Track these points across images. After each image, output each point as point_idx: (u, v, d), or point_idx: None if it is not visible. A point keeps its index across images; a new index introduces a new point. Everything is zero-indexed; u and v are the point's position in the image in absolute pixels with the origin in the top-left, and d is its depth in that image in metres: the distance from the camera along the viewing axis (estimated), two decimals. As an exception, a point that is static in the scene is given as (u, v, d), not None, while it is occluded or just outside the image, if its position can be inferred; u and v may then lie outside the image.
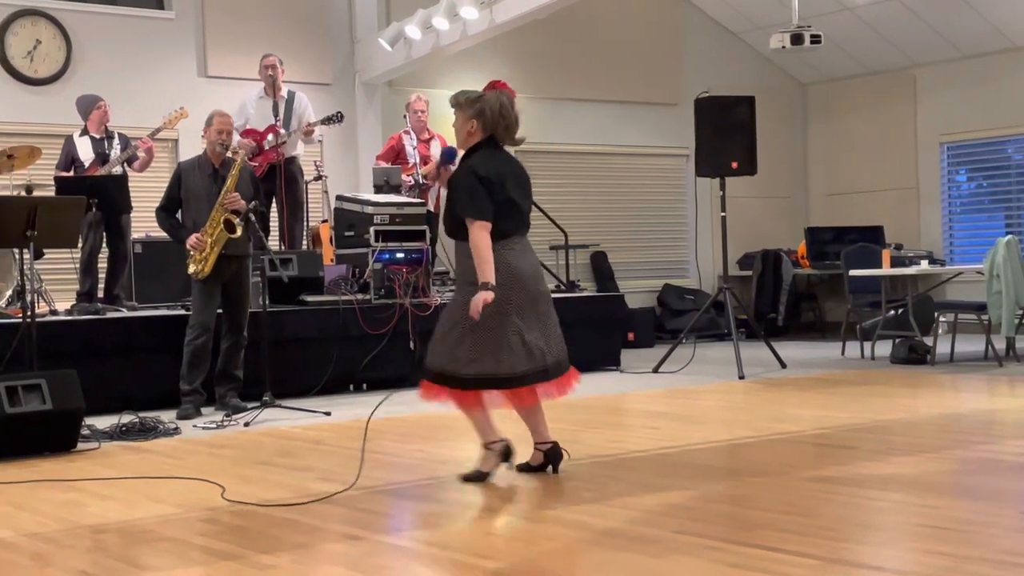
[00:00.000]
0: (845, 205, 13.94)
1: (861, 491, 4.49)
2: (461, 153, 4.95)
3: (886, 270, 10.00)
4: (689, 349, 9.46)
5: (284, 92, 9.45)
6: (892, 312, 10.04)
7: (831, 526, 3.92)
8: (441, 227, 5.28)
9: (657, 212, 13.83)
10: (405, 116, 10.05)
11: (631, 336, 11.35)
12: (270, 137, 9.25)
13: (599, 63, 13.18)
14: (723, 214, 9.43)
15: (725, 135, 9.27)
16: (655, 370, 9.27)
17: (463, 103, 4.84)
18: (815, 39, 10.06)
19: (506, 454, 4.93)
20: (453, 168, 5.06)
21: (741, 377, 8.67)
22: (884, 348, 9.89)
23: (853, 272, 10.17)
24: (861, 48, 13.32)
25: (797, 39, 10.04)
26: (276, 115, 9.27)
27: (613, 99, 13.31)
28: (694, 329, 9.83)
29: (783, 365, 9.29)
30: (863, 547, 3.69)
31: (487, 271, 4.66)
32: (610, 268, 13.05)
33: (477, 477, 4.85)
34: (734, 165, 9.23)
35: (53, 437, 5.94)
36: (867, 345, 10.13)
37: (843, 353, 10.35)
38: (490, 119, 4.81)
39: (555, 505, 4.33)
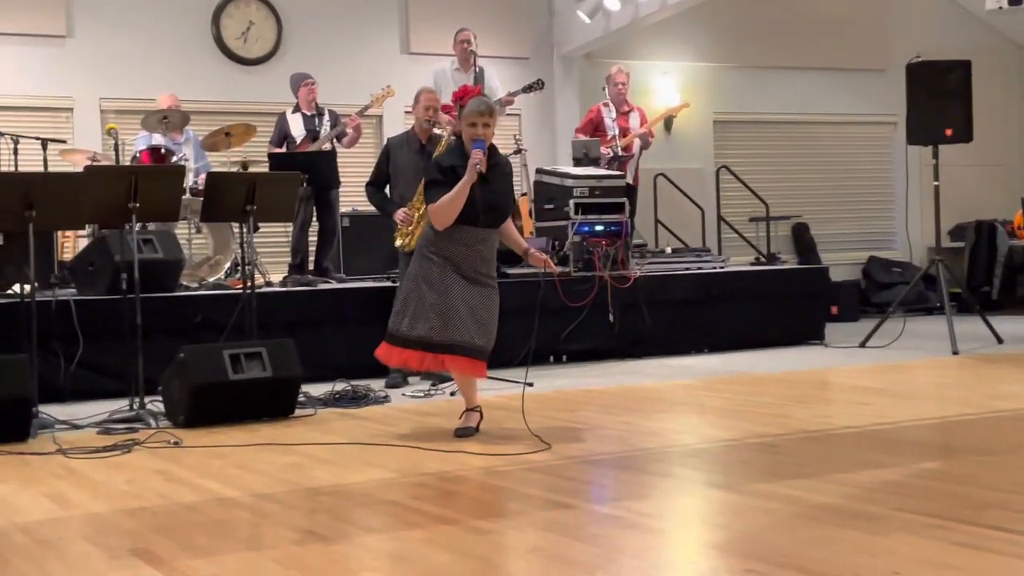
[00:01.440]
0: (1066, 173, 13.25)
1: (1094, 472, 4.27)
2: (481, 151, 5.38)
3: (1113, 241, 9.45)
4: (897, 323, 9.16)
5: (476, 67, 9.52)
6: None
7: (1065, 508, 3.74)
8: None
9: (862, 182, 13.44)
10: (604, 88, 10.02)
11: (835, 310, 11.07)
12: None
13: (802, 29, 12.85)
14: (936, 183, 9.08)
15: (939, 101, 8.91)
16: (862, 344, 9.02)
17: (496, 113, 5.53)
18: (1036, -2, 9.55)
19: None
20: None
21: (955, 352, 8.35)
22: (1110, 324, 9.37)
23: (1076, 243, 9.65)
24: (1085, 6, 12.57)
25: (1016, -1, 9.54)
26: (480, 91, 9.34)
27: (816, 66, 12.98)
28: (903, 303, 9.50)
29: (999, 340, 8.90)
30: (1102, 531, 3.50)
31: None
32: (812, 240, 12.76)
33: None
34: (948, 132, 8.86)
35: (273, 403, 6.20)
36: (1091, 320, 9.62)
37: (1064, 329, 9.85)
38: None
39: (767, 479, 4.27)
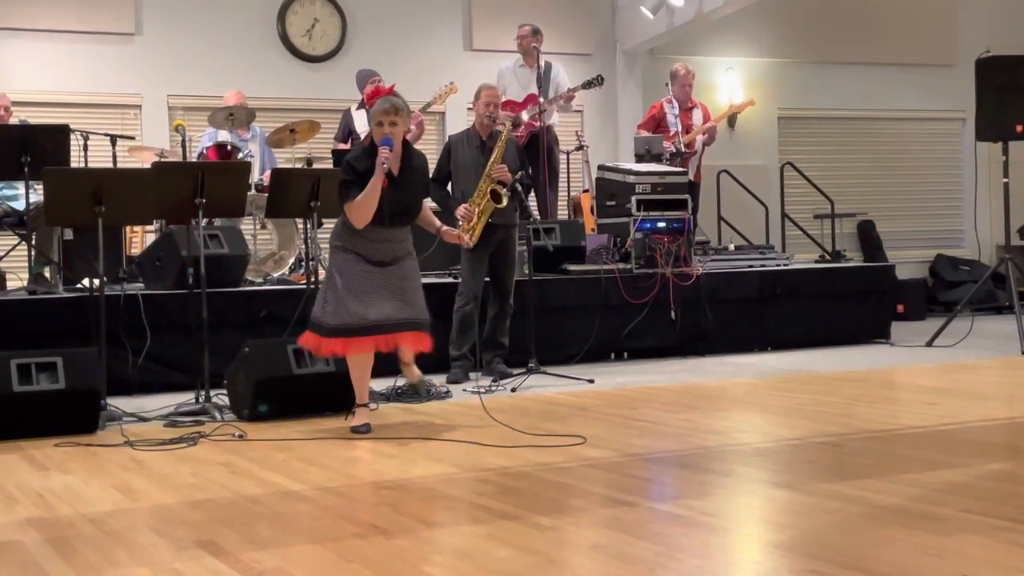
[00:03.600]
0: None
1: None
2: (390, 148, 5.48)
3: None
4: (965, 322, 9.02)
5: (541, 62, 9.50)
6: None
7: None
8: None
9: (929, 179, 13.25)
10: (667, 84, 9.97)
11: (901, 308, 10.92)
12: (526, 111, 9.31)
13: (869, 23, 12.71)
14: (1005, 180, 8.92)
15: (1009, 96, 8.74)
16: (929, 344, 8.89)
17: (403, 109, 5.53)
18: (1111, -9, 9.34)
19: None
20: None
21: (1024, 352, 8.23)
22: None
23: None
24: None
25: (1090, -9, 9.35)
26: (540, 85, 9.30)
27: (884, 61, 12.82)
28: (971, 301, 9.35)
29: (1070, 340, 8.72)
30: None
31: None
32: (878, 237, 12.60)
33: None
34: (1019, 128, 8.70)
35: (336, 397, 6.24)
36: None
37: None
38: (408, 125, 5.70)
39: (831, 478, 4.22)
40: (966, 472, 4.31)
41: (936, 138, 13.34)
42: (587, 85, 9.37)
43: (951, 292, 12.17)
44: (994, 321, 10.49)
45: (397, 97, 5.58)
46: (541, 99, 9.28)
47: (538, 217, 8.85)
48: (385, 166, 5.38)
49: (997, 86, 8.81)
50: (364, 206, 5.44)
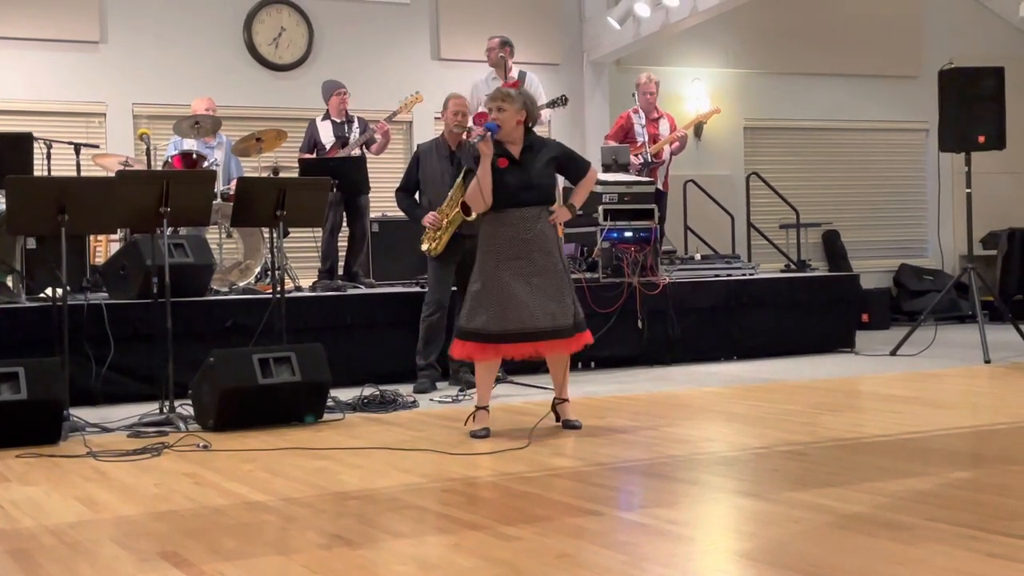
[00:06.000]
0: (1100, 181, 13.10)
1: None
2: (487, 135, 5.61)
3: None
4: (928, 331, 9.09)
5: (515, 73, 9.49)
6: None
7: (1098, 519, 3.69)
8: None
9: (894, 189, 13.37)
10: (634, 95, 10.00)
11: (865, 318, 11.00)
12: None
13: (834, 35, 12.82)
14: (968, 191, 9.00)
15: (971, 108, 8.84)
16: (893, 352, 8.96)
17: (515, 97, 5.70)
18: (1071, 4, 9.47)
19: None
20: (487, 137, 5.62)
21: (987, 361, 8.28)
22: None
23: (1111, 252, 9.54)
24: (1121, 12, 12.46)
25: (1051, 5, 9.46)
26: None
27: (848, 72, 12.94)
28: (934, 311, 9.43)
29: (1032, 349, 8.82)
30: None
31: None
32: (843, 247, 12.69)
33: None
34: (981, 139, 8.80)
35: (302, 407, 6.21)
36: None
37: (1099, 338, 9.72)
38: (532, 110, 5.75)
39: (796, 487, 4.24)
40: (930, 480, 4.33)
41: (900, 149, 13.46)
42: (551, 104, 9.34)
43: (915, 301, 12.27)
44: (957, 330, 10.57)
45: (511, 88, 5.86)
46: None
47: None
48: (476, 140, 5.56)
49: (960, 97, 8.90)
50: (476, 187, 5.60)
